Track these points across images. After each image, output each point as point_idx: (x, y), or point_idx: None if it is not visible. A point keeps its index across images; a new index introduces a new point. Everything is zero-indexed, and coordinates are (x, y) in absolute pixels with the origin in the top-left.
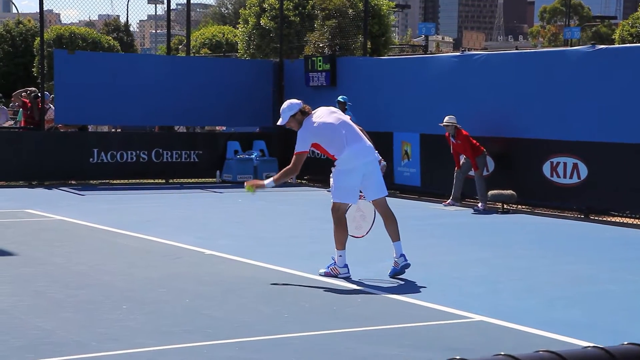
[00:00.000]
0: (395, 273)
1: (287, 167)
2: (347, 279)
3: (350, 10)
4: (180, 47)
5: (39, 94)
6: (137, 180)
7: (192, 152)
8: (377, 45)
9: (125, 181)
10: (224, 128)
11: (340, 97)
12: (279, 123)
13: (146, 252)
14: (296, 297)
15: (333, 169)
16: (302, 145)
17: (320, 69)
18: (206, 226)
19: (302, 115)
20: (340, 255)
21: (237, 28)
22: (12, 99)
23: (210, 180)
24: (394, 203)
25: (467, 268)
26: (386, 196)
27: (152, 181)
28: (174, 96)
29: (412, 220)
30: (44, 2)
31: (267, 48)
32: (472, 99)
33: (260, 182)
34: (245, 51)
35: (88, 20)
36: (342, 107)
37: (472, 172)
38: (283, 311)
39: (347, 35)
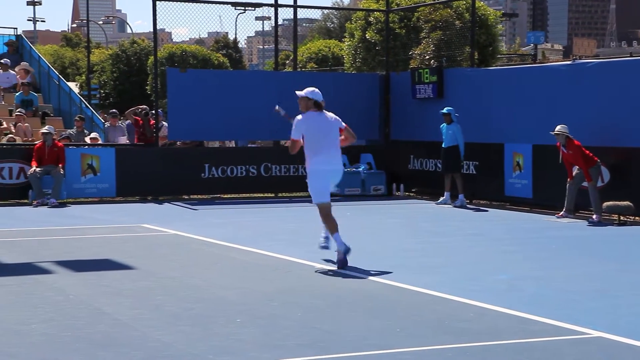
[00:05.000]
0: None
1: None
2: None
3: (457, 22)
4: (287, 62)
5: (150, 112)
6: (247, 195)
7: (300, 166)
8: (484, 56)
9: (236, 195)
10: None
11: (445, 108)
12: (298, 92)
13: (258, 266)
14: (407, 311)
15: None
16: (295, 134)
17: (427, 81)
18: (315, 240)
19: (315, 106)
20: (335, 239)
21: (343, 42)
22: (125, 117)
23: None
24: (505, 215)
25: (583, 282)
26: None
27: (262, 195)
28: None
29: (525, 233)
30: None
31: (373, 61)
32: (584, 108)
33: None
34: (351, 65)
35: (198, 38)
36: (448, 119)
37: (585, 183)
38: (394, 325)
39: (454, 46)
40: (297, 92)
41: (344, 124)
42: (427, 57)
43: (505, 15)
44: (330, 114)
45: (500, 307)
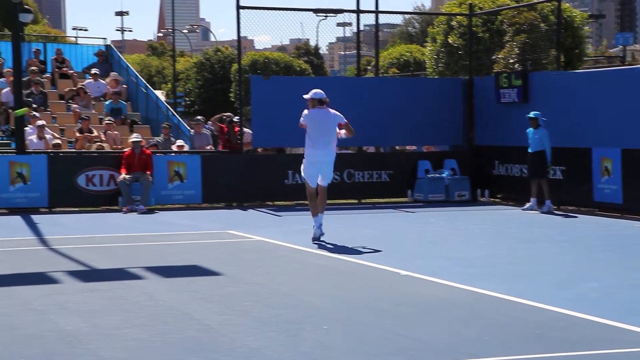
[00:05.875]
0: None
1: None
2: (321, 234)
3: (542, 24)
4: (369, 68)
5: (235, 119)
6: (330, 201)
7: (383, 172)
8: (570, 58)
9: None
10: (415, 148)
11: (532, 113)
12: (305, 95)
13: (343, 273)
14: (496, 320)
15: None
16: (302, 120)
17: (512, 85)
18: (400, 246)
19: (319, 103)
20: (314, 222)
21: (425, 46)
22: (210, 123)
23: (402, 199)
24: (595, 221)
25: None
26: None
27: (345, 201)
28: (363, 117)
29: (617, 239)
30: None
31: (456, 66)
32: None
33: None
34: (433, 70)
35: (280, 44)
36: (535, 124)
37: None
38: (484, 334)
39: (539, 50)
40: (304, 96)
41: (345, 120)
42: (512, 60)
43: (592, 17)
44: (333, 111)
45: (593, 316)
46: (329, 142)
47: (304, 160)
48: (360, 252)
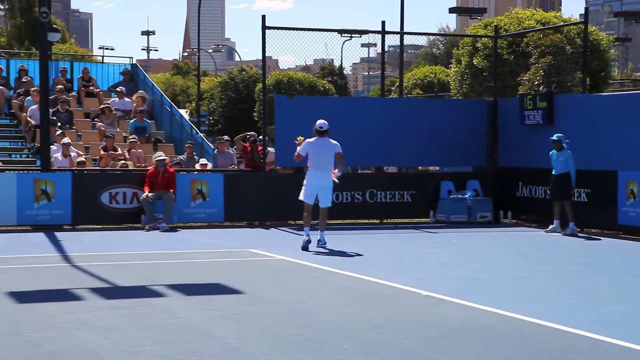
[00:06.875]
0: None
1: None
2: (308, 242)
3: (568, 47)
4: (392, 88)
5: (258, 138)
6: (352, 221)
7: (405, 192)
8: (596, 81)
9: (341, 221)
10: (437, 168)
11: (555, 135)
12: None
13: (363, 293)
14: (518, 342)
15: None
16: (301, 150)
17: (537, 107)
18: (421, 267)
19: (317, 133)
20: (304, 231)
21: (450, 68)
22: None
23: (424, 220)
24: (619, 244)
25: None
26: (329, 207)
27: (367, 221)
28: (387, 137)
29: (639, 263)
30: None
31: (480, 87)
32: None
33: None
34: (457, 91)
35: (304, 64)
36: (558, 146)
37: None
38: (506, 356)
39: (564, 72)
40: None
41: (340, 150)
42: (537, 82)
43: (618, 40)
44: (333, 141)
45: (616, 340)
46: (326, 168)
47: (305, 182)
48: (381, 272)
